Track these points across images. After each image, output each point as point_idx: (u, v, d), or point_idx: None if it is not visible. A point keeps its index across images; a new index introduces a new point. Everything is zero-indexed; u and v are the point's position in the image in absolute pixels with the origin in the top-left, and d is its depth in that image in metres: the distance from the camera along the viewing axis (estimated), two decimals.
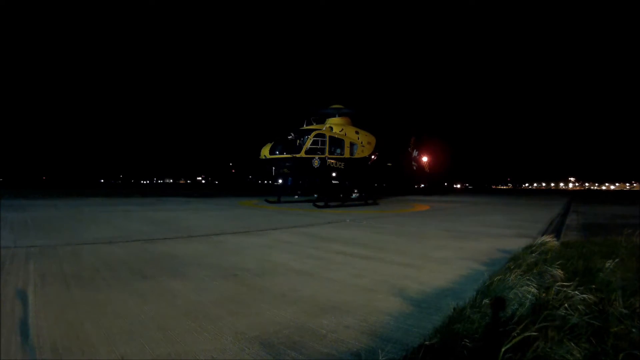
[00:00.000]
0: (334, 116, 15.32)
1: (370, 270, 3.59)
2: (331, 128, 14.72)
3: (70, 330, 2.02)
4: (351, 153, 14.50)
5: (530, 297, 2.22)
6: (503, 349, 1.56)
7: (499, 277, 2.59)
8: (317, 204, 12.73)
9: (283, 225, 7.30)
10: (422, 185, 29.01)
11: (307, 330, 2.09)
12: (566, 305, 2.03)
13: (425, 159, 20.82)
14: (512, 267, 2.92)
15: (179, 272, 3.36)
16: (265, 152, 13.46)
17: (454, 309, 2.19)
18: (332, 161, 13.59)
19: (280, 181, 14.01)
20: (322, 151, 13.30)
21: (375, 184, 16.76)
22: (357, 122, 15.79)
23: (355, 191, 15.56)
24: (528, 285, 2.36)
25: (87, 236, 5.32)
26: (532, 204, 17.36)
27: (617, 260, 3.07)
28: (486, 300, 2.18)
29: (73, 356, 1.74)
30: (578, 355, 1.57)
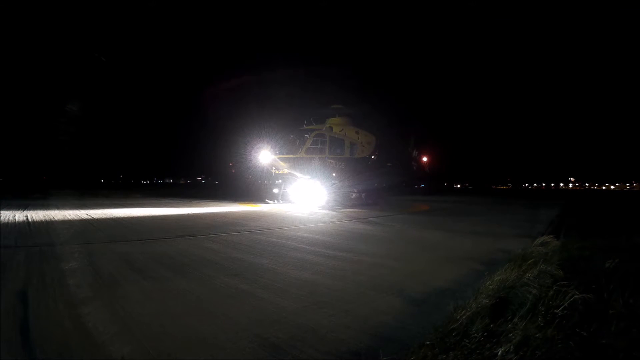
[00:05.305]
0: (334, 116, 15.31)
1: (369, 270, 3.59)
2: (331, 128, 14.70)
3: (69, 326, 2.03)
4: (351, 153, 14.49)
5: (530, 296, 2.23)
6: (503, 349, 1.57)
7: (499, 277, 2.60)
8: (317, 204, 12.73)
9: (282, 225, 7.30)
10: (422, 185, 28.96)
11: (308, 330, 2.09)
12: (566, 305, 2.03)
13: (425, 159, 20.77)
14: (512, 267, 2.92)
15: (179, 270, 3.36)
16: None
17: (454, 308, 2.19)
18: (332, 161, 13.59)
19: (280, 181, 14.01)
20: (322, 151, 13.30)
21: (375, 184, 16.75)
22: (357, 122, 15.77)
23: (355, 191, 15.55)
24: (528, 285, 2.36)
25: (88, 236, 5.32)
26: (531, 204, 17.35)
27: (617, 260, 3.07)
28: (486, 300, 2.19)
29: (73, 352, 1.74)
30: (578, 354, 1.57)
